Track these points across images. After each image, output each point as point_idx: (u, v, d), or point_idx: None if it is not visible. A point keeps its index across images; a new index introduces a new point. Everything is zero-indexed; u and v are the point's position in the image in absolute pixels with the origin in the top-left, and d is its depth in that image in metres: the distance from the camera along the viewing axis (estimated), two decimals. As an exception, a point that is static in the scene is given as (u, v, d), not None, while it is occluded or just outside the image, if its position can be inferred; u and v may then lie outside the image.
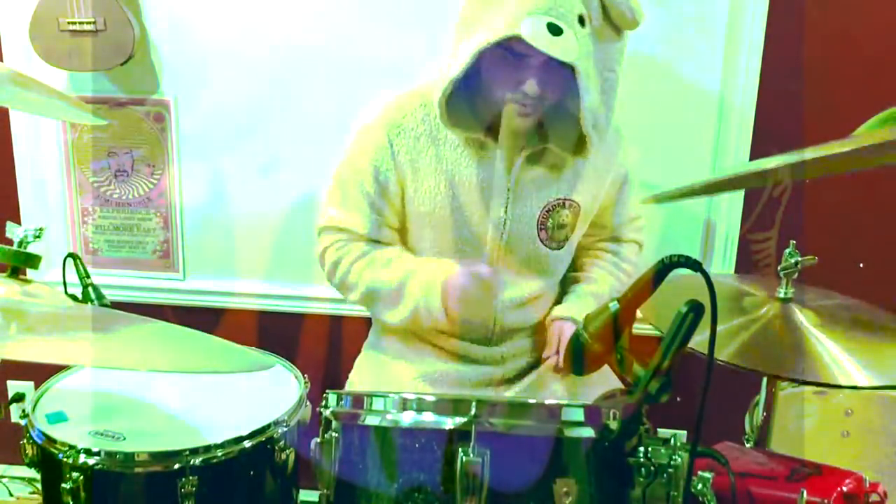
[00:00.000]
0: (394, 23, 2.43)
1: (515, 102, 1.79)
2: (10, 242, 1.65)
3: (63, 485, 1.50)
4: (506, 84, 1.78)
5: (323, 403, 1.41)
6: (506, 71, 1.77)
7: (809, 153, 1.37)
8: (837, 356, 1.60)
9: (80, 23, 2.42)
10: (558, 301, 2.06)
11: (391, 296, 1.93)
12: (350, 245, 1.97)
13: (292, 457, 1.65)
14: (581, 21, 1.73)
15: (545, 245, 1.96)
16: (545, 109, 1.84)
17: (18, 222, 1.67)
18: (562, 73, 1.76)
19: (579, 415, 1.35)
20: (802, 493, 1.37)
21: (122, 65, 2.48)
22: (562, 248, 2.00)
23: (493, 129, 1.88)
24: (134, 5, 2.48)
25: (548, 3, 1.69)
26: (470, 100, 1.83)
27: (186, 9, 2.50)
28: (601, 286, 2.06)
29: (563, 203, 1.95)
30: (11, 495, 2.84)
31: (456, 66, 1.75)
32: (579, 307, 1.98)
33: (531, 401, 1.38)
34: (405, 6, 2.42)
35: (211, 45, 2.52)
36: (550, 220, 1.95)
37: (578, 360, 1.48)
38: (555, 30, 1.68)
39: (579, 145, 1.88)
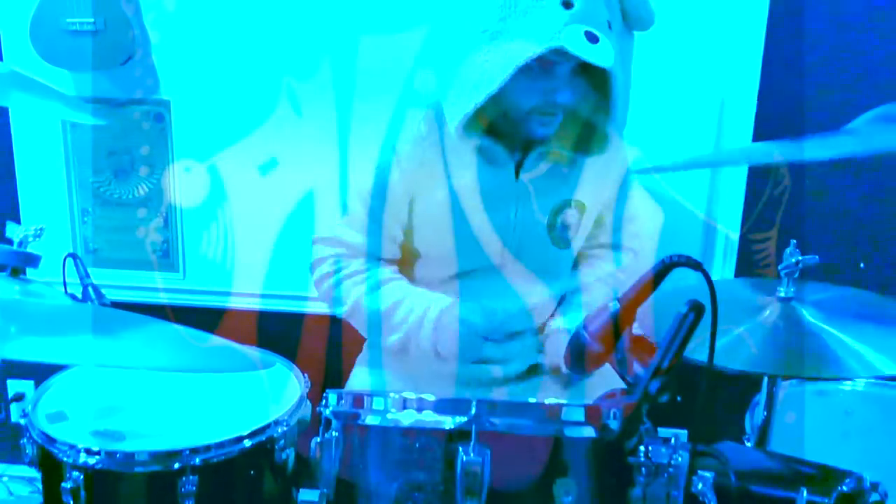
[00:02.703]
0: (393, 25, 2.43)
1: (540, 112, 1.79)
2: (10, 242, 1.65)
3: (63, 484, 1.50)
4: (534, 94, 1.77)
5: (323, 403, 1.42)
6: (535, 81, 1.76)
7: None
8: (843, 348, 1.59)
9: (81, 23, 2.42)
10: (561, 303, 2.07)
11: (380, 318, 1.95)
12: (346, 261, 1.98)
13: (292, 456, 1.65)
14: (609, 26, 1.73)
15: (554, 246, 1.97)
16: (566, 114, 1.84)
17: (18, 222, 1.67)
18: (585, 79, 1.76)
19: (579, 415, 1.35)
20: (802, 492, 1.37)
21: (122, 65, 2.48)
22: (568, 247, 2.00)
23: (500, 135, 1.87)
24: (134, 5, 2.48)
25: (582, 11, 1.69)
26: (482, 108, 1.82)
27: (186, 8, 2.50)
28: (596, 296, 2.06)
29: (570, 203, 1.95)
30: (11, 495, 2.84)
31: (492, 80, 1.72)
32: (573, 319, 1.99)
33: (531, 401, 1.38)
34: (405, 10, 2.43)
35: (211, 45, 2.52)
36: (558, 221, 1.95)
37: (579, 360, 1.49)
38: (592, 37, 1.67)
39: (583, 144, 1.88)
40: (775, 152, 1.45)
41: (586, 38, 1.67)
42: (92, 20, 2.42)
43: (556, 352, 1.97)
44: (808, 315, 1.70)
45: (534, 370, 2.04)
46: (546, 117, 1.80)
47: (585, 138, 1.89)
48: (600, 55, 1.67)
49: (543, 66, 1.74)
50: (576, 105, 1.83)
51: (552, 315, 2.05)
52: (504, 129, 1.86)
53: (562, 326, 2.00)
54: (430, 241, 1.97)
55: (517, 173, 1.90)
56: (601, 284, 2.08)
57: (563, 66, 1.74)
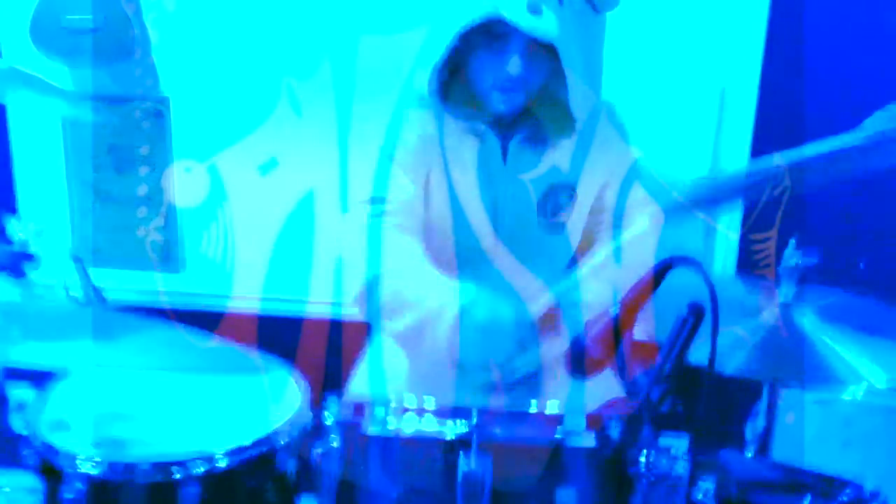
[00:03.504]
0: (393, 25, 2.43)
1: (499, 87, 1.81)
2: (10, 242, 1.65)
3: (65, 494, 1.50)
4: (489, 68, 1.80)
5: (324, 410, 1.42)
6: (488, 54, 1.79)
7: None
8: (842, 356, 1.59)
9: (81, 20, 2.41)
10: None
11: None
12: None
13: (294, 464, 1.65)
14: (560, 1, 1.75)
15: (543, 228, 1.97)
16: (532, 93, 1.85)
17: (18, 222, 1.67)
18: (544, 56, 1.78)
19: (580, 422, 1.35)
20: (803, 501, 1.37)
21: (122, 63, 2.48)
22: (560, 231, 2.00)
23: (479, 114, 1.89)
24: (134, 4, 2.47)
25: None
26: (465, 89, 1.85)
27: (186, 8, 2.49)
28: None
29: (560, 186, 1.95)
30: (11, 505, 2.84)
31: (441, 48, 1.78)
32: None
33: (532, 409, 1.38)
34: (405, 10, 2.42)
35: (211, 45, 2.51)
36: (547, 203, 1.95)
37: (579, 365, 1.49)
38: (534, 9, 1.69)
39: (569, 127, 1.89)
40: (781, 162, 1.45)
41: (528, 10, 1.69)
42: (91, 18, 2.41)
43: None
44: (806, 319, 1.70)
45: (533, 377, 2.04)
46: (505, 94, 1.82)
47: (559, 120, 1.90)
48: (542, 27, 1.69)
49: (496, 40, 1.77)
50: (538, 82, 1.84)
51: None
52: (483, 108, 1.88)
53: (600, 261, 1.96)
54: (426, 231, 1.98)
55: (503, 156, 1.91)
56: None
57: (515, 40, 1.76)
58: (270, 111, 2.54)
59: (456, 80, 1.84)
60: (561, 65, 1.77)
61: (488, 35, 1.76)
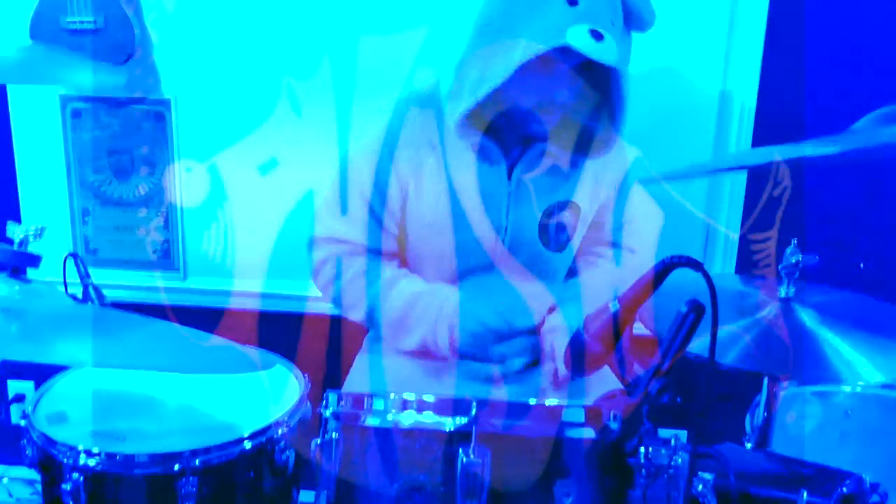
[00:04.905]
0: (393, 25, 2.43)
1: (539, 110, 1.79)
2: (10, 242, 1.65)
3: (63, 486, 1.50)
4: (534, 92, 1.78)
5: (323, 404, 1.42)
6: (535, 79, 1.77)
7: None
8: (841, 353, 1.60)
9: (81, 22, 2.42)
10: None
11: (396, 323, 1.97)
12: (349, 259, 1.98)
13: (292, 457, 1.64)
14: (612, 25, 1.74)
15: (547, 248, 1.97)
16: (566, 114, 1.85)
17: (18, 222, 1.67)
18: (584, 79, 1.77)
19: (579, 415, 1.35)
20: (803, 493, 1.37)
21: (121, 64, 2.48)
22: (563, 250, 2.00)
23: (497, 133, 1.88)
24: (134, 4, 2.48)
25: (587, 9, 1.69)
26: (482, 105, 1.82)
27: (186, 8, 2.50)
28: (596, 293, 2.05)
29: (564, 205, 1.95)
30: (11, 497, 2.84)
31: (494, 76, 1.73)
32: (572, 315, 1.98)
33: (531, 401, 1.38)
34: (405, 10, 2.42)
35: (211, 45, 2.52)
36: (552, 223, 1.95)
37: (579, 360, 1.48)
38: (597, 35, 1.68)
39: (581, 146, 1.88)
40: (777, 155, 1.46)
41: (591, 37, 1.67)
42: (92, 19, 2.42)
43: (553, 350, 1.97)
44: (806, 317, 1.70)
45: (532, 368, 2.04)
46: (545, 115, 1.81)
47: (585, 140, 1.89)
48: (606, 53, 1.68)
49: (545, 65, 1.75)
50: (575, 105, 1.83)
51: (550, 313, 2.05)
52: (501, 126, 1.87)
53: (560, 324, 2.00)
54: (421, 241, 1.97)
55: (510, 173, 1.90)
56: (601, 282, 2.08)
57: (564, 64, 1.75)
58: (270, 111, 2.53)
59: (488, 102, 1.80)
60: (608, 88, 1.77)
61: (540, 61, 1.73)
